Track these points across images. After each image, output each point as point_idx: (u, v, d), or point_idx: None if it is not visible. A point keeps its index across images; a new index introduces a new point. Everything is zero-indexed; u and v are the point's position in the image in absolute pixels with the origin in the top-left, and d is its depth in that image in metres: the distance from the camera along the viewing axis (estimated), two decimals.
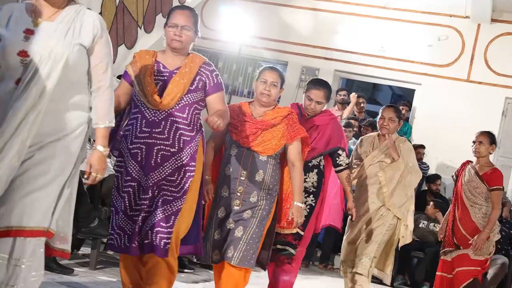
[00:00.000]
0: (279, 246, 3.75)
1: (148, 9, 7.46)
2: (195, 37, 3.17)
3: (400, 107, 8.19)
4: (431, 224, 6.73)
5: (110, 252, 4.77)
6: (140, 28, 7.39)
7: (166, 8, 7.63)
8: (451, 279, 4.78)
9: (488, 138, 4.85)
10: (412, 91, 8.92)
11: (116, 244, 3.12)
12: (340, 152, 3.97)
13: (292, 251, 3.78)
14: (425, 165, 7.80)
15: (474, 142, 4.85)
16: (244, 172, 3.43)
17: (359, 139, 4.65)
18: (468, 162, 4.95)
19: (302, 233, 3.80)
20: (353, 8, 8.90)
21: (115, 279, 4.16)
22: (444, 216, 5.17)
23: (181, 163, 3.07)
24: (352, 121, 7.44)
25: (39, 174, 2.45)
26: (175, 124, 3.07)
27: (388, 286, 5.82)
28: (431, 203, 6.89)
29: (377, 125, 4.50)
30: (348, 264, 4.38)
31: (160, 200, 3.05)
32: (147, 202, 3.07)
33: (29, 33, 2.52)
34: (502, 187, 4.88)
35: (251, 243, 3.38)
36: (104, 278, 4.14)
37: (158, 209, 3.03)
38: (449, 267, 4.81)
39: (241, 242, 3.37)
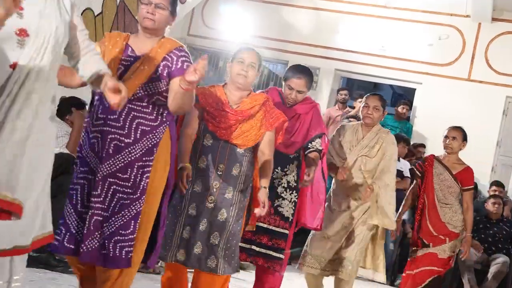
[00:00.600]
0: (273, 254, 3.59)
1: None
2: (172, 19, 2.85)
3: (401, 107, 8.30)
4: None
5: None
6: None
7: None
8: (413, 276, 4.63)
9: (461, 134, 4.68)
10: (413, 90, 8.92)
11: (55, 241, 2.72)
12: (316, 139, 3.70)
13: (283, 256, 3.62)
14: None
15: (446, 137, 4.65)
16: (221, 166, 3.13)
17: (340, 126, 4.37)
18: (434, 157, 4.75)
19: (287, 232, 3.64)
20: (353, 8, 8.90)
21: None
22: (400, 210, 4.85)
23: (134, 156, 2.71)
24: (352, 119, 7.44)
25: (36, 177, 2.21)
26: (133, 112, 2.72)
27: (390, 285, 5.83)
28: None
29: (360, 113, 4.27)
30: (321, 261, 4.10)
31: (118, 205, 2.69)
32: (98, 200, 2.69)
33: (19, 8, 2.11)
34: (474, 186, 4.82)
35: (229, 247, 3.13)
36: None
37: (116, 216, 2.68)
38: (414, 264, 4.66)
39: (219, 250, 3.10)
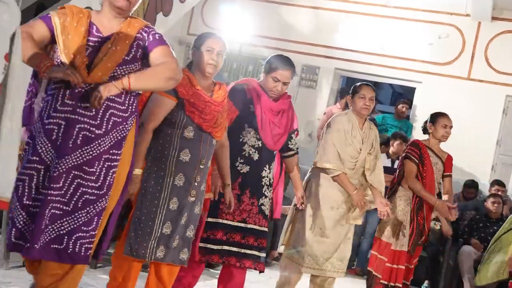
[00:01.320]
0: (259, 254, 3.53)
1: (149, 8, 7.45)
2: None
3: (401, 105, 8.31)
4: (432, 222, 6.71)
5: (110, 251, 4.76)
6: None
7: (166, 7, 7.62)
8: (411, 269, 4.61)
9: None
10: (413, 89, 8.91)
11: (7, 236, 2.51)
12: (293, 135, 3.71)
13: (264, 255, 3.60)
14: None
15: (446, 126, 4.57)
16: (203, 160, 3.07)
17: (334, 118, 4.12)
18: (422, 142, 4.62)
19: (267, 230, 3.61)
20: (353, 7, 8.90)
21: None
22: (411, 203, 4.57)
23: (103, 149, 2.54)
24: None
25: None
26: (106, 102, 2.53)
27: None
28: None
29: (355, 104, 4.07)
30: (321, 261, 3.97)
31: (81, 200, 2.52)
32: (58, 193, 2.48)
33: None
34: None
35: (193, 239, 3.19)
36: (105, 276, 4.14)
37: (80, 211, 2.52)
38: (412, 258, 4.61)
39: (190, 243, 3.13)
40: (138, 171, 2.90)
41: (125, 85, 2.50)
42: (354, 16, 8.86)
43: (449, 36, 8.47)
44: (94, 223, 2.56)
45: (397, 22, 8.69)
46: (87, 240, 2.54)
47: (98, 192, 2.56)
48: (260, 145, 3.56)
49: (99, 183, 2.56)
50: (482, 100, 8.10)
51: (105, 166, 2.57)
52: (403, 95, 13.21)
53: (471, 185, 7.35)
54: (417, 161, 4.54)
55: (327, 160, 3.97)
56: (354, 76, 9.41)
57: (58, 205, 2.50)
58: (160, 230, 2.99)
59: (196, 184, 3.06)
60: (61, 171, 2.49)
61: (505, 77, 8.14)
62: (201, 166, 3.08)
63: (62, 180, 2.49)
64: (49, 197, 2.47)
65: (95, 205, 2.55)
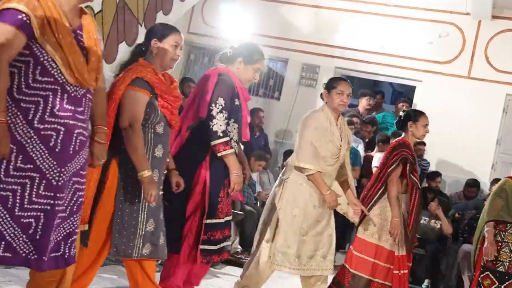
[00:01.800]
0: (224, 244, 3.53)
1: (149, 7, 7.44)
2: None
3: (401, 104, 8.31)
4: (432, 221, 6.72)
5: None
6: (141, 26, 7.37)
7: (166, 6, 7.61)
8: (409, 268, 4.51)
9: None
10: (413, 88, 8.91)
11: None
12: None
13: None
14: (425, 162, 7.80)
15: (426, 125, 4.41)
16: (168, 153, 3.13)
17: (312, 116, 3.99)
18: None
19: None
20: (353, 5, 8.89)
21: (116, 276, 4.18)
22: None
23: (88, 149, 2.54)
24: (354, 118, 7.47)
25: None
26: (89, 103, 2.49)
27: None
28: (436, 199, 6.83)
29: (331, 100, 3.99)
30: (304, 260, 3.86)
31: (76, 204, 2.49)
32: (61, 202, 2.40)
33: None
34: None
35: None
36: (106, 275, 4.15)
37: (75, 215, 2.49)
38: (408, 260, 4.47)
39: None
40: (149, 172, 2.90)
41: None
42: (354, 15, 8.86)
43: (449, 34, 8.46)
44: (79, 221, 2.55)
45: (397, 21, 8.69)
46: (75, 241, 2.53)
47: (83, 193, 2.56)
48: (238, 138, 3.54)
49: (85, 184, 2.56)
50: (482, 99, 8.09)
51: (87, 164, 2.58)
52: (403, 94, 13.20)
53: (473, 184, 7.35)
54: (409, 161, 4.39)
55: (302, 159, 3.86)
56: (354, 75, 9.42)
57: (61, 214, 2.44)
58: (144, 228, 2.98)
59: (162, 177, 3.09)
60: (66, 179, 2.40)
61: (505, 75, 8.13)
62: (167, 160, 3.13)
63: (66, 188, 2.43)
64: (56, 208, 2.38)
65: (82, 205, 2.55)
